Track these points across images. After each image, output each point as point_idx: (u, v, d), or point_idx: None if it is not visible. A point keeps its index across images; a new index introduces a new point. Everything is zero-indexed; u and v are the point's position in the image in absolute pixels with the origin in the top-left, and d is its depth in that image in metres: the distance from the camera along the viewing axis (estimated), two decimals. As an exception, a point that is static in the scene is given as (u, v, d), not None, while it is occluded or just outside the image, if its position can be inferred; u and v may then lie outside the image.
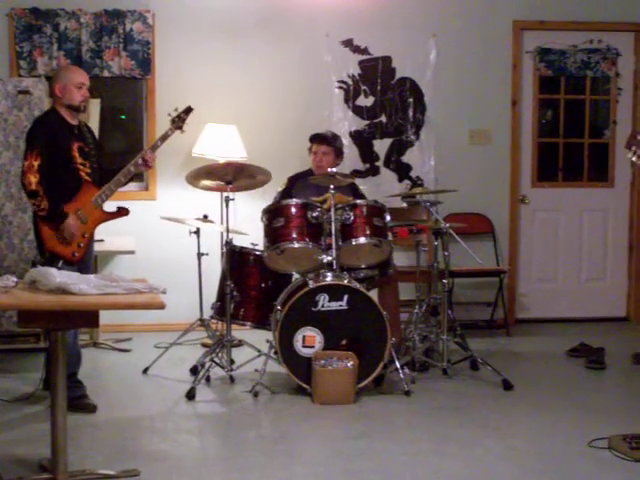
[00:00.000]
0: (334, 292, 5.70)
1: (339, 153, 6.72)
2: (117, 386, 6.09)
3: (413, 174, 8.01)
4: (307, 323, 5.69)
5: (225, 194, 6.09)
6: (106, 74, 7.46)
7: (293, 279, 6.23)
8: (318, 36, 7.80)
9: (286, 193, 6.59)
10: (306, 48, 7.82)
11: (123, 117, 8.27)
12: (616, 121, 8.29)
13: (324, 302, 5.69)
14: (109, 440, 4.90)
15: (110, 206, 5.56)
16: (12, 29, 7.34)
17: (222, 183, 6.15)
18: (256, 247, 6.30)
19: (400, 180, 8.01)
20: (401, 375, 5.81)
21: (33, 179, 5.20)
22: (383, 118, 7.98)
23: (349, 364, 5.58)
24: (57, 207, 5.27)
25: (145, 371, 6.32)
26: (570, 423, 5.21)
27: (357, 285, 5.79)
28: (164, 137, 5.67)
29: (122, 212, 5.62)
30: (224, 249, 6.22)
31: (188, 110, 5.77)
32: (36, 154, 5.23)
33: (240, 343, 6.33)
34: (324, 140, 6.66)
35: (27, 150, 5.31)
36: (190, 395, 5.67)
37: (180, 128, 5.75)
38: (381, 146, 7.99)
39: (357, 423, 5.30)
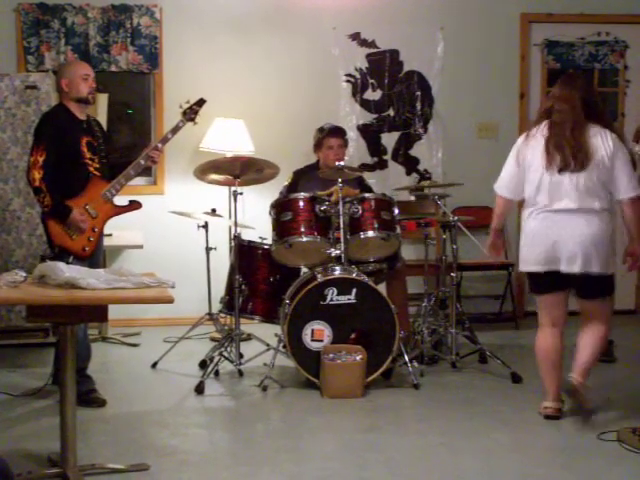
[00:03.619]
0: (342, 286, 5.69)
1: (347, 144, 6.72)
2: (126, 380, 6.10)
3: (421, 167, 8.01)
4: (316, 317, 5.68)
5: (233, 188, 6.10)
6: (113, 69, 7.47)
7: (302, 273, 6.23)
8: (325, 30, 7.80)
9: (291, 187, 6.57)
10: (313, 42, 7.81)
11: (130, 111, 8.27)
12: (624, 113, 8.27)
13: (333, 296, 5.68)
14: (118, 434, 4.90)
15: (120, 200, 5.54)
16: (19, 24, 7.35)
17: (230, 177, 6.14)
18: (264, 241, 6.30)
19: (408, 173, 8.01)
20: (410, 368, 5.81)
21: (37, 175, 5.18)
22: (391, 111, 7.97)
23: (358, 358, 5.57)
24: (59, 203, 5.22)
25: (154, 365, 6.33)
26: (579, 416, 5.20)
27: (365, 279, 5.78)
28: (175, 129, 5.65)
29: (134, 206, 5.59)
30: (232, 243, 6.23)
31: (200, 102, 5.76)
32: (42, 150, 5.21)
33: (249, 337, 6.35)
34: (339, 133, 6.60)
35: (33, 145, 5.30)
36: (199, 389, 5.67)
37: (192, 120, 5.74)
38: (389, 139, 7.99)
39: (366, 417, 5.30)
